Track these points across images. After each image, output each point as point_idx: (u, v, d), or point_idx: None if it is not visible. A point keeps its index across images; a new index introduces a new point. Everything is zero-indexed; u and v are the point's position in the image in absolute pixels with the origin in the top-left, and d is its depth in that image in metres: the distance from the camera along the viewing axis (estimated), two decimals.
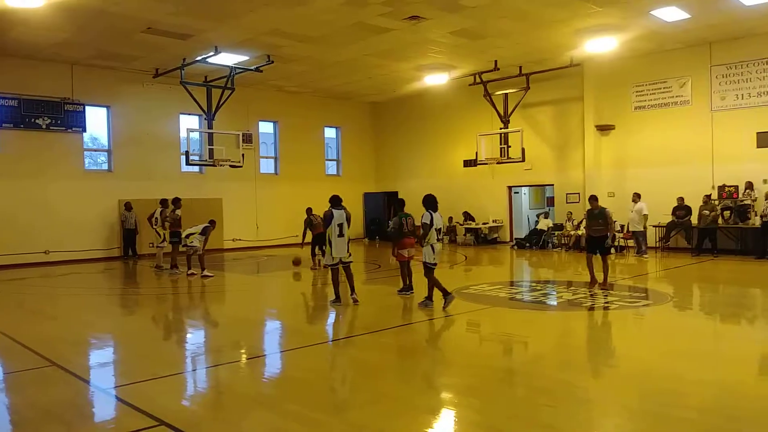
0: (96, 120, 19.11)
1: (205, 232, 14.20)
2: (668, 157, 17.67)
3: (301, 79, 20.58)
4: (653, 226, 17.40)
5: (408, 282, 10.77)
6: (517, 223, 22.58)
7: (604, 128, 19.07)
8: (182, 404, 5.56)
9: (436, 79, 20.11)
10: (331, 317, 9.71)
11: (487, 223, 22.05)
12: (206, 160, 17.96)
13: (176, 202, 15.26)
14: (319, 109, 24.02)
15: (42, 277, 15.22)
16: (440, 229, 9.73)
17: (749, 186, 16.16)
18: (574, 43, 16.37)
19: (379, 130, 26.10)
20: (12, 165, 17.05)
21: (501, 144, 19.39)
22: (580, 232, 17.80)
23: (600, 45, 16.24)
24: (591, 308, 9.62)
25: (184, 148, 18.33)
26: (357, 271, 15.34)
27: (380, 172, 26.13)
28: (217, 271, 15.39)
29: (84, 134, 18.63)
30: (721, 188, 16.72)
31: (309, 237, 15.10)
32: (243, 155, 18.59)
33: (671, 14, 14.29)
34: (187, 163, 17.94)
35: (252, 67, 17.50)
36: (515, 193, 22.55)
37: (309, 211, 15.10)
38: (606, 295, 10.50)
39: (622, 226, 17.73)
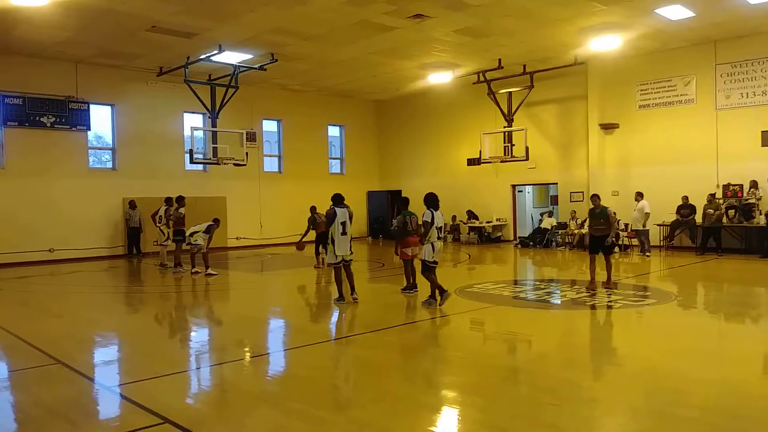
0: (100, 118, 19.15)
1: (209, 231, 14.25)
2: (673, 155, 17.62)
3: (305, 77, 20.58)
4: (657, 225, 17.37)
5: (412, 280, 10.77)
6: (521, 222, 22.57)
7: (608, 127, 19.02)
8: (186, 402, 5.57)
9: (440, 78, 20.09)
10: (335, 315, 9.72)
11: (491, 221, 22.03)
12: (210, 159, 17.98)
13: (180, 200, 15.29)
14: (322, 108, 24.03)
15: (46, 275, 15.27)
16: (441, 227, 9.74)
17: (754, 185, 16.09)
18: (579, 42, 16.34)
19: (382, 128, 26.09)
20: (16, 163, 17.11)
21: (505, 143, 19.36)
22: (583, 231, 17.75)
23: (604, 43, 16.20)
24: (593, 307, 9.61)
25: (188, 146, 18.39)
26: (361, 269, 15.41)
27: (384, 170, 26.12)
28: (221, 269, 15.41)
29: (88, 132, 18.67)
30: (726, 187, 16.66)
31: (310, 236, 15.07)
32: (247, 154, 18.60)
33: (676, 12, 14.25)
34: (191, 162, 17.98)
35: (256, 66, 17.51)
36: (519, 191, 22.53)
37: (313, 209, 15.10)
38: (610, 294, 10.48)
39: (626, 225, 17.70)
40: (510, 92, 19.45)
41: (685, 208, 16.66)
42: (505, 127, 19.50)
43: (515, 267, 16.64)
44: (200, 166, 20.27)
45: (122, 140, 19.20)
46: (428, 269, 9.58)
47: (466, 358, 6.91)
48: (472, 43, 16.35)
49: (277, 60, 17.09)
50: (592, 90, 19.21)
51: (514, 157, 19.11)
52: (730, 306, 10.13)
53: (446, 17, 14.15)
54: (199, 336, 8.80)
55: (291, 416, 5.00)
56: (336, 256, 10.01)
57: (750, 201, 16.05)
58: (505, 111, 19.49)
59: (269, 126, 23.30)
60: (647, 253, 16.36)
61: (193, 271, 14.39)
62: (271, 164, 23.24)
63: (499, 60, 18.14)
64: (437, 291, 9.50)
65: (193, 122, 19.91)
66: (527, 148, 18.62)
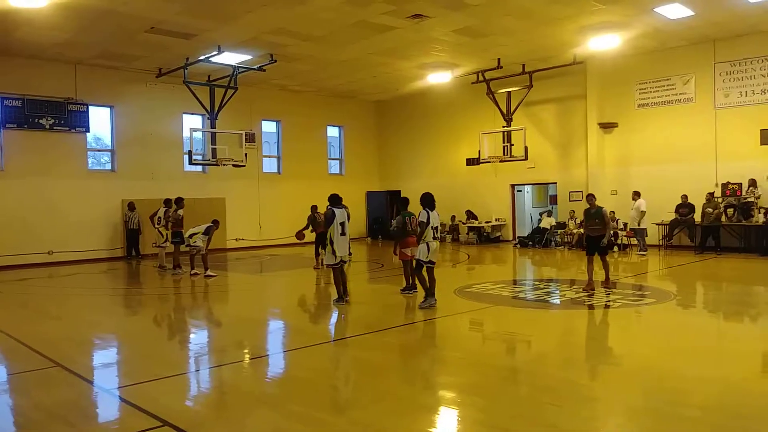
0: (99, 120, 19.13)
1: (208, 232, 14.24)
2: (671, 154, 17.62)
3: (304, 78, 20.58)
4: (656, 224, 17.38)
5: (411, 281, 10.76)
6: (520, 222, 22.57)
7: (607, 126, 19.03)
8: (186, 404, 5.57)
9: (439, 78, 20.09)
10: (334, 317, 9.72)
11: (490, 221, 22.03)
12: (209, 160, 17.95)
13: (179, 202, 15.28)
14: (322, 108, 24.02)
15: (45, 278, 15.26)
16: (437, 227, 9.74)
17: (753, 183, 16.10)
18: (578, 41, 16.34)
19: (382, 128, 26.09)
20: (16, 165, 17.09)
21: (504, 142, 19.36)
22: (582, 231, 17.75)
23: (603, 43, 16.20)
24: (591, 306, 9.60)
25: (187, 147, 18.38)
26: (360, 270, 15.42)
27: (383, 170, 26.11)
28: (220, 270, 15.41)
29: (87, 134, 18.66)
30: (725, 186, 16.67)
31: (309, 237, 15.06)
32: (246, 154, 18.59)
33: (675, 11, 14.25)
34: (190, 163, 17.96)
35: (255, 67, 17.50)
36: (518, 191, 22.52)
37: (314, 208, 15.08)
38: (608, 294, 10.48)
39: (625, 224, 17.71)
40: (509, 92, 19.45)
41: (684, 207, 16.67)
42: (504, 126, 19.50)
43: (514, 267, 16.64)
44: (199, 168, 20.26)
45: (121, 142, 19.19)
46: (420, 268, 9.60)
47: (465, 358, 6.91)
48: (471, 42, 16.35)
49: (276, 61, 17.08)
50: (591, 89, 19.21)
51: (513, 156, 19.11)
52: (729, 305, 10.13)
53: (445, 17, 14.14)
54: (198, 338, 8.80)
55: (291, 418, 5.00)
56: (335, 256, 10.00)
57: (749, 199, 16.05)
58: (504, 111, 19.49)
59: (268, 127, 23.29)
60: (643, 252, 16.36)
61: (192, 272, 14.38)
62: (270, 165, 23.24)
63: (498, 60, 18.14)
64: (424, 290, 9.58)
65: (192, 123, 19.90)
66: (526, 148, 18.61)
